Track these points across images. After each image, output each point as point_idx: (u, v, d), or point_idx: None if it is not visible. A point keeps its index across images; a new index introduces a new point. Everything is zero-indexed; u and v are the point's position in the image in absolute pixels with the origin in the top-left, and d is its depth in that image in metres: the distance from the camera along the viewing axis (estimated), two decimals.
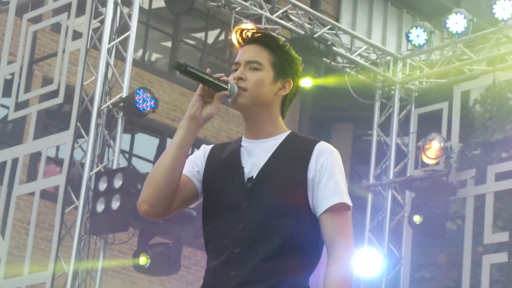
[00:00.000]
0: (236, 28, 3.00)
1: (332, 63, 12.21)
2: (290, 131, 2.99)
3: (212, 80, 2.84)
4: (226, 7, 11.38)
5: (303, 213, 2.83)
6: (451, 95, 12.37)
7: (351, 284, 2.79)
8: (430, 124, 12.50)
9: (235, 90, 2.88)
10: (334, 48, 12.06)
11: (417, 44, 11.97)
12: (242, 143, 2.95)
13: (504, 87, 11.90)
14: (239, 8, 11.38)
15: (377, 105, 12.76)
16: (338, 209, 2.83)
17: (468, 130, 12.30)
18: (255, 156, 2.89)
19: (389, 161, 12.49)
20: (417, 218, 11.65)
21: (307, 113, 14.48)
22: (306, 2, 13.72)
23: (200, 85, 2.85)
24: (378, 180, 12.51)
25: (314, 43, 11.64)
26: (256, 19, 11.48)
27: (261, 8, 11.49)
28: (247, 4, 11.37)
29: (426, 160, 11.97)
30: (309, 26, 11.83)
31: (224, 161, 2.93)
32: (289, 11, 11.79)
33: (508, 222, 11.83)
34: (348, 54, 12.31)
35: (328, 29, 12.08)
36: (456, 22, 11.43)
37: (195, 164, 2.97)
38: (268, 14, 11.51)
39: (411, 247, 12.29)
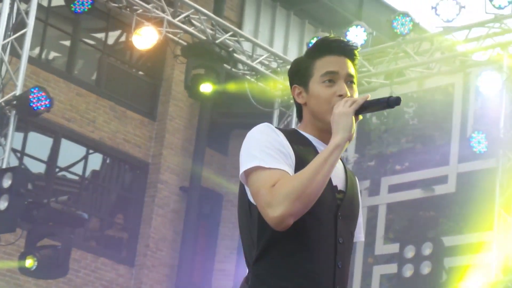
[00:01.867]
0: (325, 36, 2.91)
1: (233, 69, 12.19)
2: None
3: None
4: (128, 9, 11.24)
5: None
6: None
7: None
8: None
9: None
10: (235, 55, 12.05)
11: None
12: (315, 144, 2.83)
13: None
14: (140, 10, 11.26)
15: (276, 113, 12.82)
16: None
17: (364, 142, 12.46)
18: None
19: None
20: None
21: (206, 119, 14.42)
22: (209, 7, 13.66)
23: (355, 109, 2.74)
24: None
25: (216, 49, 11.60)
26: (158, 22, 11.38)
27: (163, 11, 11.39)
28: (149, 7, 11.25)
29: None
30: (211, 31, 11.78)
31: (309, 160, 2.74)
32: (191, 15, 11.71)
33: (399, 234, 12.01)
34: (249, 62, 12.32)
35: (230, 36, 12.06)
36: (356, 34, 11.57)
37: (289, 156, 2.77)
38: (170, 18, 11.41)
39: None
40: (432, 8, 10.46)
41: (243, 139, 2.82)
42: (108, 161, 14.23)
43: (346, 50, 2.86)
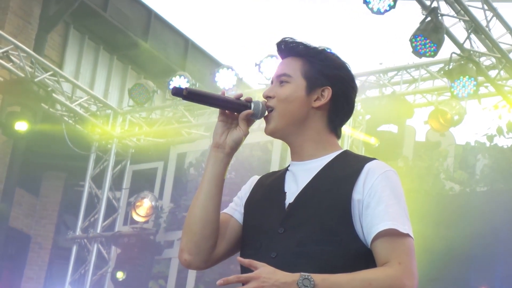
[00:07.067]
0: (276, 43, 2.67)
1: (51, 109, 11.92)
2: (342, 150, 2.62)
3: (227, 101, 2.57)
4: None
5: (347, 241, 2.44)
6: (167, 156, 12.48)
7: None
8: (143, 182, 12.53)
9: (260, 107, 2.57)
10: (54, 95, 11.80)
11: (138, 101, 11.99)
12: (289, 167, 2.64)
13: None
14: None
15: (93, 157, 12.61)
16: (389, 235, 2.42)
17: (180, 192, 12.45)
18: (298, 179, 2.56)
19: (99, 214, 12.33)
20: (120, 275, 11.60)
21: (19, 157, 13.97)
22: (29, 44, 13.33)
23: (219, 110, 2.60)
24: (85, 232, 12.29)
25: (34, 88, 11.35)
26: None
27: None
28: None
29: (135, 217, 11.97)
30: (30, 69, 11.49)
31: (268, 188, 2.63)
32: (10, 51, 11.39)
33: (209, 286, 12.02)
34: (68, 103, 12.09)
35: (50, 75, 11.81)
36: (179, 84, 11.60)
37: (239, 199, 2.68)
38: None
39: None
40: (256, 65, 10.65)
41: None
42: None
43: (285, 51, 2.66)
